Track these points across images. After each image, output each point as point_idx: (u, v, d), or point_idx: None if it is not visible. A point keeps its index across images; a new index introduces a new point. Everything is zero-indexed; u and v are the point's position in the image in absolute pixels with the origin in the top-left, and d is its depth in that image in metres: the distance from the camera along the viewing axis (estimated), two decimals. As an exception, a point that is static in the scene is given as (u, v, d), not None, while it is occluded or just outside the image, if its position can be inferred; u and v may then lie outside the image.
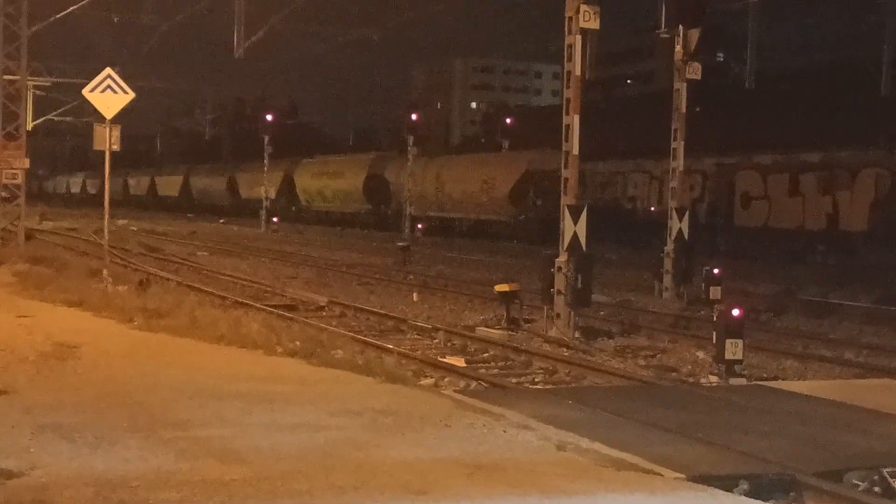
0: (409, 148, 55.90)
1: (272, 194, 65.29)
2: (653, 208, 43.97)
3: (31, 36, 31.12)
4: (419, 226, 52.69)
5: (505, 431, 8.69)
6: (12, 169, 28.75)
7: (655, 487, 7.21)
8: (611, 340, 17.09)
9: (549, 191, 45.22)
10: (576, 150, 17.26)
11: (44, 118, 72.11)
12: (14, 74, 30.12)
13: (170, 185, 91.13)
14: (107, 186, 21.59)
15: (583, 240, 17.07)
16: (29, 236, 31.66)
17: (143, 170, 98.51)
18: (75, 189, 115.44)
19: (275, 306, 19.94)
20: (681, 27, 23.32)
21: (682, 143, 23.97)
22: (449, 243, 44.75)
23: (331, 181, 63.42)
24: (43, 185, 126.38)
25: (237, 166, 79.02)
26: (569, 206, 17.19)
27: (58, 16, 39.63)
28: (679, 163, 24.20)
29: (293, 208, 66.00)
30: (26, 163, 29.20)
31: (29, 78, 37.40)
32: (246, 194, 74.11)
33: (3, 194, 29.22)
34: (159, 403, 9.47)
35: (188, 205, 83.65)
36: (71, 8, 40.14)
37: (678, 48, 23.40)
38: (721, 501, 7.11)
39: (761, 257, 35.48)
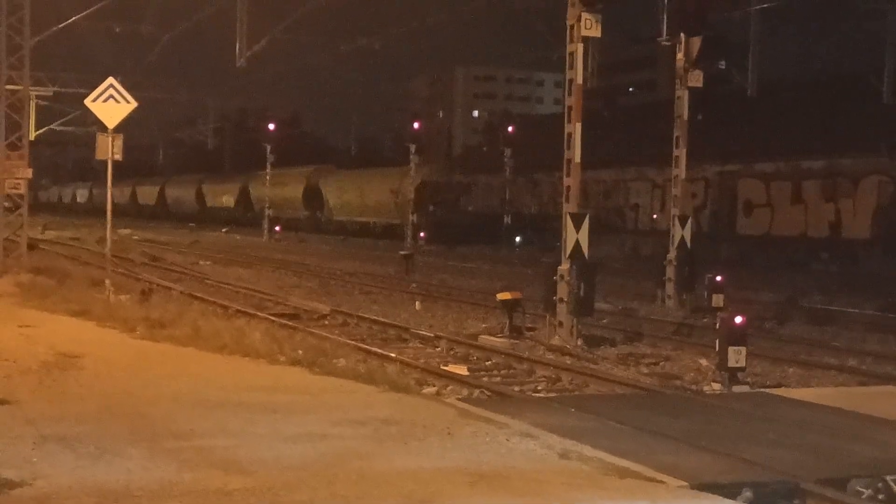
0: (411, 156, 55.73)
1: (231, 203, 77.56)
2: (655, 216, 44.01)
3: (34, 46, 31.12)
4: (421, 234, 52.63)
5: (508, 440, 8.68)
6: (15, 179, 28.71)
7: (658, 496, 7.20)
8: (613, 348, 17.05)
9: (441, 198, 55.52)
10: (577, 158, 17.25)
11: (46, 128, 72.12)
12: (17, 84, 30.08)
13: (148, 195, 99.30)
14: (108, 196, 21.56)
15: (585, 248, 17.04)
16: (32, 246, 31.61)
17: (125, 180, 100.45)
18: (66, 199, 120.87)
19: (278, 315, 19.92)
20: (682, 35, 23.33)
21: (685, 150, 23.96)
22: (450, 252, 44.75)
23: (278, 191, 70.20)
24: (38, 195, 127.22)
25: (203, 178, 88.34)
26: (571, 215, 17.16)
27: (60, 26, 39.75)
28: (681, 171, 24.18)
29: (248, 215, 74.22)
30: (29, 173, 29.18)
31: (31, 88, 37.46)
32: (210, 203, 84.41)
33: (6, 204, 29.15)
34: (162, 414, 9.46)
35: (163, 212, 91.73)
36: (73, 18, 40.27)
37: (680, 56, 23.41)
38: (724, 510, 7.11)
39: (764, 265, 35.44)
